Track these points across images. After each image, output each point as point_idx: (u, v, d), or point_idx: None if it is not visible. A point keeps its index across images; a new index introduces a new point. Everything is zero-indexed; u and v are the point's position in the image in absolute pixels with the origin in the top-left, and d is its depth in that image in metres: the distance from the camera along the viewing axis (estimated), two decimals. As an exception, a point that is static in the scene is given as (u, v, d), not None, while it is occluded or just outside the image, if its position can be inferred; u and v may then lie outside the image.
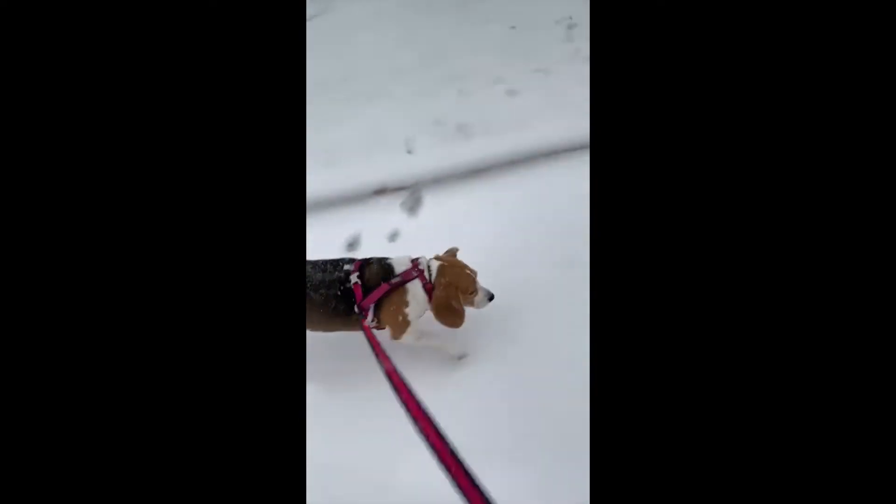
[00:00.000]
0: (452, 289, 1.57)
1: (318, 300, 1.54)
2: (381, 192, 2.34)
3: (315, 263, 1.60)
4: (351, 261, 1.60)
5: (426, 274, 1.59)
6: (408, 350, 1.62)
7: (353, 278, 1.54)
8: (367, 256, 1.63)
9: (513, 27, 3.21)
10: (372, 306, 1.54)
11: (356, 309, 1.53)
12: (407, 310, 1.58)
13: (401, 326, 1.59)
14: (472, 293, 1.60)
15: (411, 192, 2.33)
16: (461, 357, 1.70)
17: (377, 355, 1.23)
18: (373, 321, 1.57)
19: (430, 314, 1.60)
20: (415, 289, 1.57)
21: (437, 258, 1.65)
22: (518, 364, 1.64)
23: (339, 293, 1.54)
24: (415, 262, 1.61)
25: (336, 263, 1.59)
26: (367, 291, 1.54)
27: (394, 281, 1.56)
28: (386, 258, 1.62)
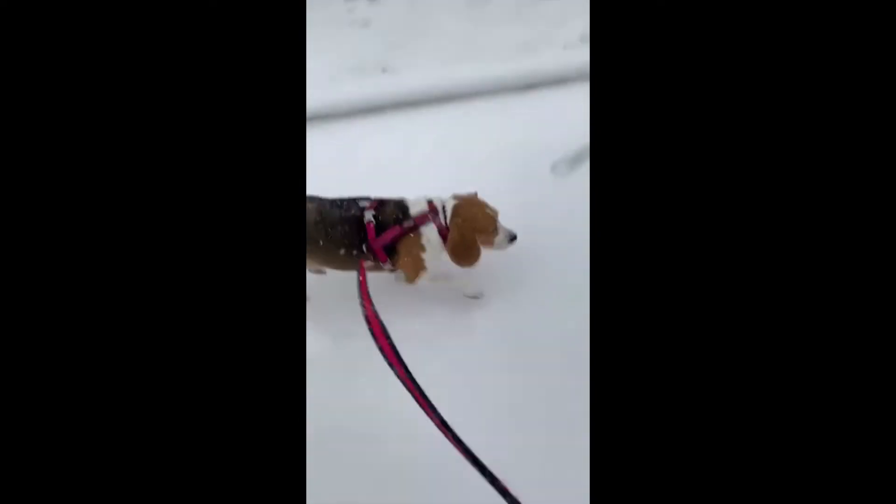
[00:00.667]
0: (467, 228, 1.53)
1: (336, 237, 1.54)
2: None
3: (332, 201, 1.59)
4: (368, 199, 1.58)
5: (441, 216, 1.55)
6: (411, 293, 1.64)
7: (368, 216, 1.53)
8: (385, 197, 1.60)
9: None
10: (383, 248, 1.54)
11: (364, 248, 1.53)
12: (423, 255, 1.57)
13: (415, 270, 1.60)
14: (491, 233, 1.55)
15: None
16: (476, 297, 1.70)
17: (361, 296, 1.22)
18: (385, 263, 1.57)
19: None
20: (429, 233, 1.55)
21: (454, 198, 1.60)
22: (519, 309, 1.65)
23: (353, 231, 1.53)
24: (431, 203, 1.57)
25: (353, 201, 1.58)
26: (380, 231, 1.53)
27: (406, 225, 1.53)
28: (403, 199, 1.59)
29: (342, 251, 1.55)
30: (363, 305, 1.19)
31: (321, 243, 1.54)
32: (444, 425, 0.90)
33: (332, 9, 3.00)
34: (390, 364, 1.00)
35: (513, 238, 1.57)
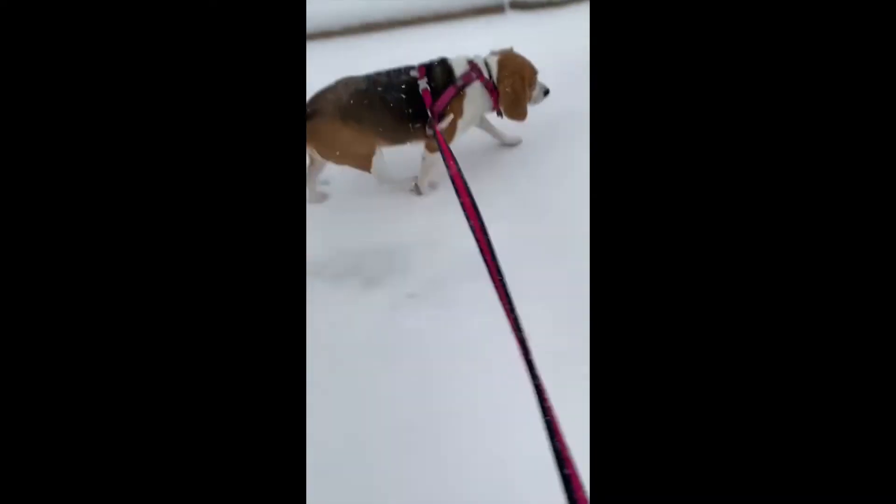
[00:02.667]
0: (518, 79, 1.62)
1: (392, 102, 1.58)
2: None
3: (378, 72, 1.65)
4: (412, 67, 1.64)
5: (485, 73, 1.63)
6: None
7: (423, 84, 1.58)
8: (428, 61, 1.66)
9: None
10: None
11: (429, 114, 1.57)
12: (463, 115, 1.64)
13: (453, 133, 1.67)
14: (532, 86, 1.67)
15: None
16: (516, 143, 1.85)
17: (446, 159, 1.30)
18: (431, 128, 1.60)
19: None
20: (473, 92, 1.63)
21: (494, 53, 1.68)
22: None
23: (409, 98, 1.58)
24: (472, 62, 1.65)
25: (399, 70, 1.64)
26: (434, 96, 1.59)
27: (460, 84, 1.60)
28: (445, 59, 1.66)
29: (394, 120, 1.58)
30: (447, 165, 1.28)
31: (367, 115, 1.57)
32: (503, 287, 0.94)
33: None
34: (468, 217, 1.08)
35: (546, 91, 1.71)
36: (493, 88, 1.63)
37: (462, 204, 1.12)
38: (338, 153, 1.65)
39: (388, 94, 1.58)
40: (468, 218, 1.08)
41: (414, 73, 1.61)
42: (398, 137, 1.67)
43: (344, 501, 1.08)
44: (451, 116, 1.61)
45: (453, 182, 1.19)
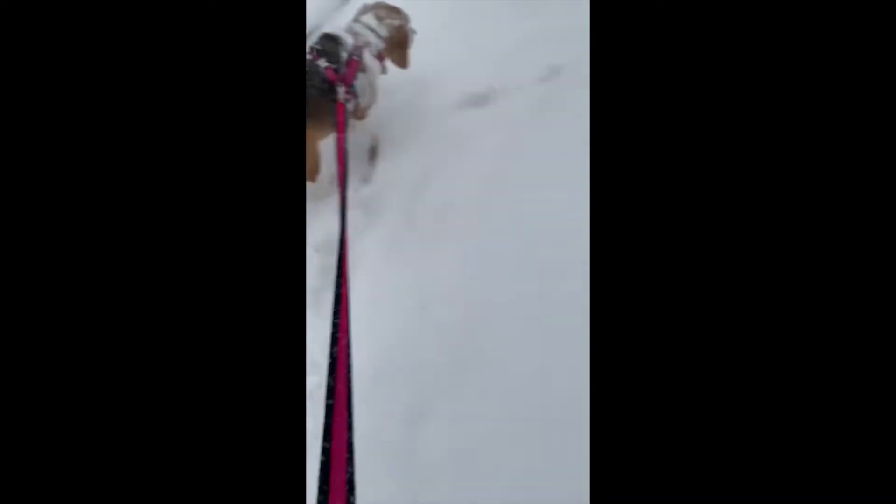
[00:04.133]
0: (402, 36, 1.74)
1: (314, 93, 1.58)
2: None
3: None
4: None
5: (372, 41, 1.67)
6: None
7: (321, 63, 1.59)
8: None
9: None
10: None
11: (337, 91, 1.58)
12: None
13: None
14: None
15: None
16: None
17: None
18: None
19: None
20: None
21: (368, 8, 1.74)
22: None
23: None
24: (356, 32, 1.67)
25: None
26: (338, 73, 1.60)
27: (356, 56, 1.62)
28: (327, 34, 1.65)
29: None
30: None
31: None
32: None
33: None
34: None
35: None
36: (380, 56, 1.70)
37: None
38: None
39: (312, 85, 1.59)
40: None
41: (308, 58, 1.60)
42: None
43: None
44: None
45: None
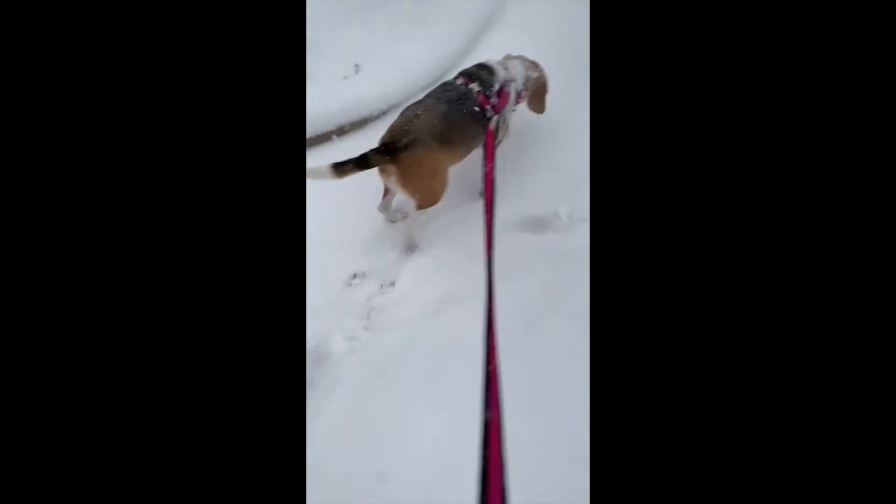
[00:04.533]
0: (542, 85, 1.88)
1: (468, 114, 1.59)
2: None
3: (433, 93, 1.65)
4: (453, 80, 1.71)
5: (519, 81, 1.79)
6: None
7: (475, 87, 1.65)
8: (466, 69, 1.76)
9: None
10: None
11: (488, 117, 1.64)
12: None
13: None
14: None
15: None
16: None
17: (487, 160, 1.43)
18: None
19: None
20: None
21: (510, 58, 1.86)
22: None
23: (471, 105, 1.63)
24: (508, 67, 1.77)
25: (445, 87, 1.67)
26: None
27: (507, 89, 1.72)
28: (485, 63, 1.76)
29: (473, 131, 1.61)
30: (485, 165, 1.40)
31: (456, 135, 1.58)
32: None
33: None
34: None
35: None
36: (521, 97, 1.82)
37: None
38: (427, 181, 1.59)
39: (463, 108, 1.60)
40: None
41: (460, 83, 1.67)
42: (473, 146, 1.69)
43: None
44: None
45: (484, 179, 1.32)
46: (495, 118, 1.64)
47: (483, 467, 0.70)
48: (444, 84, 1.69)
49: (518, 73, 1.78)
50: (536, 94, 1.89)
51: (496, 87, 1.69)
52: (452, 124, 1.55)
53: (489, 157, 1.44)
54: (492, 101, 1.66)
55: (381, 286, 1.66)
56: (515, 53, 1.93)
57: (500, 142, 1.79)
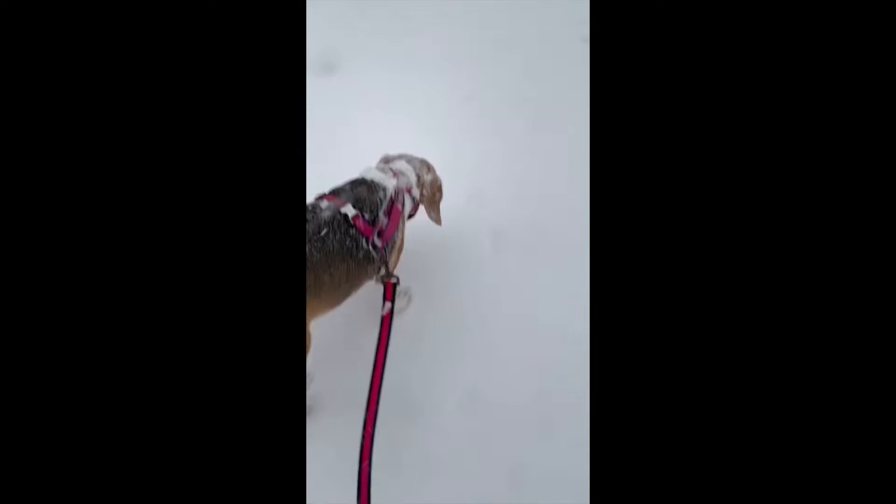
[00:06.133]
0: (436, 188, 1.46)
1: (331, 249, 1.20)
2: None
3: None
4: (319, 197, 1.30)
5: (413, 187, 1.41)
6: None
7: (350, 210, 1.24)
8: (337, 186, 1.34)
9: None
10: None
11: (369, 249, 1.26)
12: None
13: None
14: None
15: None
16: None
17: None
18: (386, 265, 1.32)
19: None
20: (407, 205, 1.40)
21: (390, 159, 1.46)
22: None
23: (343, 234, 1.22)
24: (396, 172, 1.39)
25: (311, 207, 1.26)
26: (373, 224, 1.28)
27: (398, 205, 1.33)
28: (362, 178, 1.34)
29: (344, 265, 1.22)
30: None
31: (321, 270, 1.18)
32: None
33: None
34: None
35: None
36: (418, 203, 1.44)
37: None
38: None
39: (327, 241, 1.20)
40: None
41: (323, 204, 1.25)
42: (352, 287, 1.28)
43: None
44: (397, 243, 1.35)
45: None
46: (378, 257, 1.26)
47: None
48: (313, 205, 1.27)
49: (410, 175, 1.41)
50: (433, 202, 1.46)
51: (384, 205, 1.30)
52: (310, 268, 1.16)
53: (383, 334, 1.17)
54: (379, 225, 1.27)
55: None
56: (395, 152, 1.50)
57: (394, 265, 1.39)
